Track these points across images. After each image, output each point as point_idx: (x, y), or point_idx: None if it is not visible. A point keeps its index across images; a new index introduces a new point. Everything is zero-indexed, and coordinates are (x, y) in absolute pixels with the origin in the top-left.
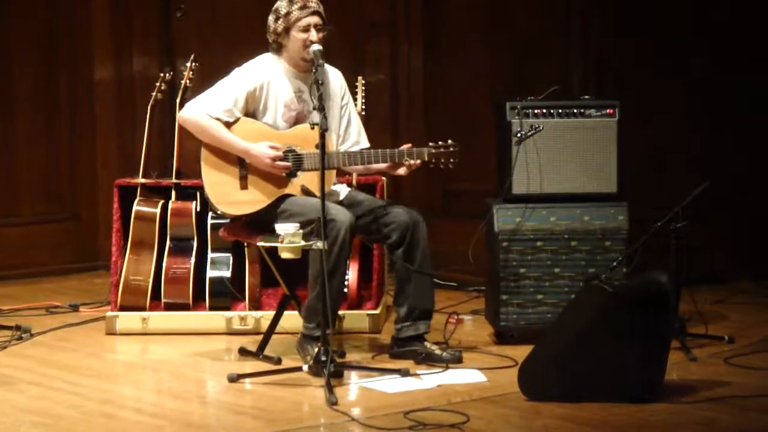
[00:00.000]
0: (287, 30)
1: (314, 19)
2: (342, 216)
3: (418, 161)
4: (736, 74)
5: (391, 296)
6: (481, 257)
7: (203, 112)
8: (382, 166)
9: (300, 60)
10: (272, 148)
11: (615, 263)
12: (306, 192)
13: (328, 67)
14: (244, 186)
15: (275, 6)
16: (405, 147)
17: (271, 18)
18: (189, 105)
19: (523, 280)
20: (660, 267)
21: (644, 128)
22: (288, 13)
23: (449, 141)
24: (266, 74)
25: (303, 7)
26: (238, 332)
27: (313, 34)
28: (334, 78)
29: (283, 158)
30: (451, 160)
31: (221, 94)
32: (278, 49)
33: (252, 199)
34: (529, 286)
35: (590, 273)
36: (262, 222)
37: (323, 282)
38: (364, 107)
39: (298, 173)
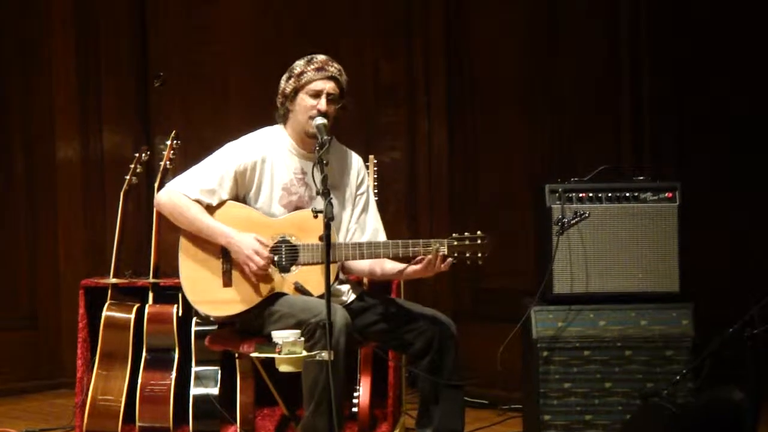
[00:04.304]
0: (296, 92)
1: (328, 86)
2: (337, 317)
3: (440, 255)
4: None
5: (411, 417)
6: (516, 369)
7: (180, 192)
8: (394, 268)
9: (304, 134)
10: (258, 241)
11: (679, 377)
12: (300, 290)
13: (343, 147)
14: (227, 282)
15: (292, 65)
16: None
17: (283, 78)
18: (167, 185)
19: (569, 397)
20: (733, 381)
21: (710, 214)
22: (301, 73)
23: (477, 232)
24: (262, 150)
25: (319, 69)
26: None
27: (323, 103)
28: (351, 162)
29: (270, 253)
30: (479, 255)
31: (205, 171)
32: (285, 117)
33: (236, 299)
34: (576, 404)
35: (649, 389)
36: (252, 327)
37: (329, 399)
38: (376, 192)
39: (292, 268)
